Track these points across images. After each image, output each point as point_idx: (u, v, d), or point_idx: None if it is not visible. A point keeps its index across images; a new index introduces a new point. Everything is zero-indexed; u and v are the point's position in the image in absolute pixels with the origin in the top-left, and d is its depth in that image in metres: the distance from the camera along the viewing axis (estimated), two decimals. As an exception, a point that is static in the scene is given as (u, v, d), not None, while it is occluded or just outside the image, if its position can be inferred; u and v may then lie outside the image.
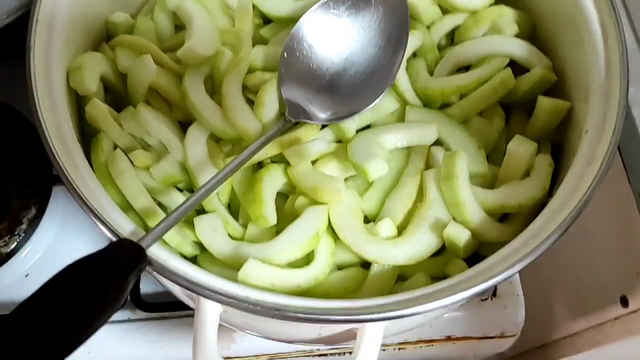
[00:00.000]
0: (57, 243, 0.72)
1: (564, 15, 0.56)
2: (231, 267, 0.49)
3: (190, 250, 0.51)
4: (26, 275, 0.70)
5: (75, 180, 0.44)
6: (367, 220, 0.54)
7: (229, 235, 0.51)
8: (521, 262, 0.43)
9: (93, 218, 0.44)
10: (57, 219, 0.72)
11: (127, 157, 0.53)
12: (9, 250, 0.67)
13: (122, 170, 0.50)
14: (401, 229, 0.52)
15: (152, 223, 0.50)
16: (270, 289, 0.46)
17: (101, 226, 0.44)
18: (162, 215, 0.51)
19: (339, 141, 0.56)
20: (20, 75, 0.73)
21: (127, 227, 0.44)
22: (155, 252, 0.44)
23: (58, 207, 0.72)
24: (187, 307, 0.62)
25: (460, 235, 0.49)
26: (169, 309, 0.67)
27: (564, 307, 0.84)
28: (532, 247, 0.44)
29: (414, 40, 0.58)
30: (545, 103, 0.55)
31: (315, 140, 0.52)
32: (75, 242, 0.71)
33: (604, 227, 0.73)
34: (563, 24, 0.56)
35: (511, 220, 0.53)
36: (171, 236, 0.49)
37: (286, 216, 0.53)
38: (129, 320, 0.68)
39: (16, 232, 0.67)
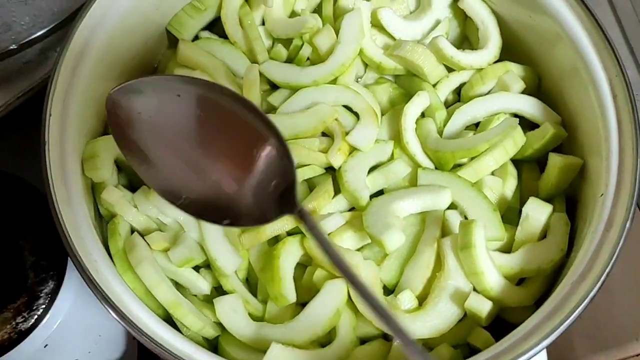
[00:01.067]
0: (74, 310, 0.71)
1: (571, 72, 0.56)
2: (254, 349, 0.49)
3: (212, 332, 0.51)
4: (45, 346, 0.70)
5: (98, 281, 0.45)
6: (385, 289, 0.54)
7: (249, 314, 0.51)
8: (548, 337, 0.43)
9: (116, 317, 0.44)
10: (74, 288, 0.71)
11: (145, 240, 0.53)
12: (28, 325, 0.67)
13: (140, 258, 0.50)
14: (421, 299, 0.52)
15: (175, 313, 0.50)
16: (296, 373, 0.46)
17: (123, 323, 0.44)
18: (186, 304, 0.51)
19: (352, 207, 0.56)
20: (32, 147, 0.74)
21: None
22: (179, 346, 0.44)
23: (74, 276, 0.71)
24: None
25: (482, 307, 0.48)
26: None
27: (584, 341, 0.83)
28: (557, 321, 0.44)
29: (422, 101, 0.58)
30: (556, 161, 0.55)
31: (331, 216, 0.52)
32: (92, 310, 0.71)
33: (622, 268, 0.72)
34: (570, 81, 0.56)
35: (530, 283, 0.53)
36: (193, 321, 0.50)
37: (305, 288, 0.53)
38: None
39: (34, 307, 0.67)
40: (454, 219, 0.53)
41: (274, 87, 0.63)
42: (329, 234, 0.53)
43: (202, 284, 0.53)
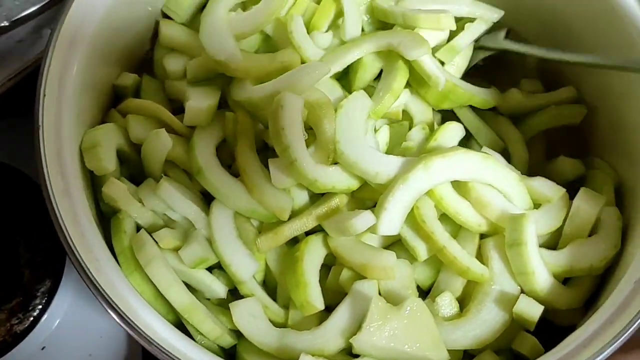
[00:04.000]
0: (73, 310, 0.67)
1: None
2: (277, 358, 0.44)
3: (229, 340, 0.46)
4: (43, 349, 0.65)
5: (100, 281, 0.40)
6: (419, 290, 0.48)
7: (269, 320, 0.46)
8: (614, 344, 0.38)
9: (122, 323, 0.39)
10: (73, 286, 0.67)
11: (152, 237, 0.47)
12: (24, 327, 0.62)
13: (151, 257, 0.45)
14: (461, 301, 0.47)
15: (191, 318, 0.45)
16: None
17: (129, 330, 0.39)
18: (201, 308, 0.46)
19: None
20: (27, 137, 0.69)
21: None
22: (193, 356, 0.39)
23: (72, 275, 0.67)
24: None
25: (533, 312, 0.44)
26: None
27: None
28: (622, 325, 0.39)
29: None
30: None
31: (360, 215, 0.46)
32: (93, 309, 0.66)
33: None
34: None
35: (578, 283, 0.48)
36: (211, 328, 0.45)
37: (330, 290, 0.48)
38: None
39: (30, 307, 0.62)
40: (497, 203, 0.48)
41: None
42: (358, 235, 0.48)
43: (217, 287, 0.47)
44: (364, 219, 0.46)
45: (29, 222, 0.64)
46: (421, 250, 0.47)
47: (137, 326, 0.41)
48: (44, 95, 0.45)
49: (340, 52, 0.52)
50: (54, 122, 0.45)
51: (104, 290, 0.40)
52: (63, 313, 0.66)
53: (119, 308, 0.40)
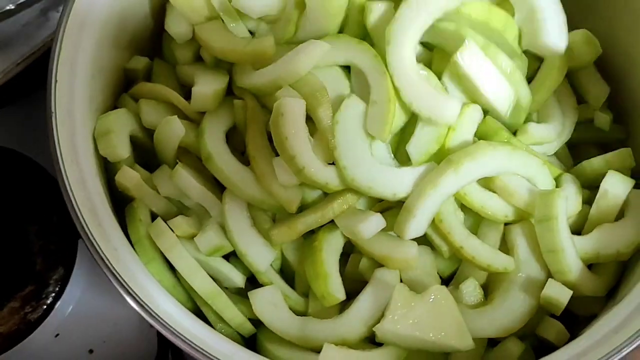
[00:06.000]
0: (87, 298, 0.66)
1: None
2: (299, 346, 0.43)
3: (250, 328, 0.45)
4: (56, 336, 0.65)
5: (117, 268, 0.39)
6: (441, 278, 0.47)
7: (290, 309, 0.45)
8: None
9: (144, 314, 0.38)
10: (85, 273, 0.66)
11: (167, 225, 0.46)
12: (37, 315, 0.61)
13: (172, 243, 0.44)
14: (485, 288, 0.46)
15: (215, 305, 0.44)
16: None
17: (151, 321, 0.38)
18: (224, 294, 0.45)
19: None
20: (36, 123, 0.68)
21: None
22: (216, 345, 0.38)
23: (85, 261, 0.66)
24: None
25: (561, 296, 0.43)
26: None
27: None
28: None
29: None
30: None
31: (368, 220, 0.44)
32: (106, 296, 0.66)
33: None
34: None
35: (603, 269, 0.47)
36: (234, 315, 0.44)
37: (349, 279, 0.47)
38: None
39: (44, 295, 0.62)
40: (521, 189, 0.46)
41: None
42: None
43: (235, 276, 0.46)
44: (373, 223, 0.44)
45: (40, 209, 0.63)
46: (445, 248, 0.46)
47: (158, 315, 0.40)
48: (56, 82, 0.43)
49: None
50: (66, 109, 0.44)
51: (123, 280, 0.39)
52: (76, 300, 0.65)
53: (139, 297, 0.39)
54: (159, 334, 0.63)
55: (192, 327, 0.41)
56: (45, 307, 0.61)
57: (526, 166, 0.46)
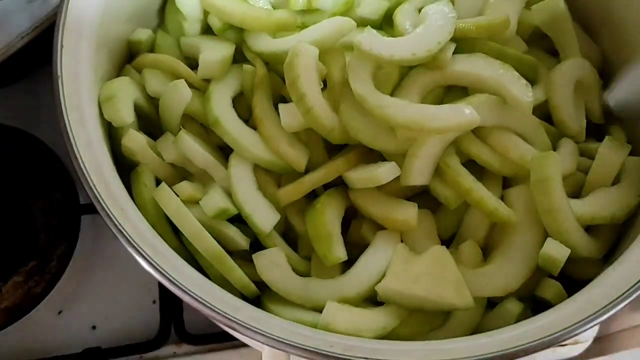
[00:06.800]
0: (89, 275, 0.67)
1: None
2: (302, 306, 0.44)
3: (254, 290, 0.46)
4: (59, 312, 0.66)
5: (129, 231, 0.39)
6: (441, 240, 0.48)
7: (293, 269, 0.46)
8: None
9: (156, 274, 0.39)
10: (88, 250, 0.67)
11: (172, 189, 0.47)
12: (39, 290, 0.62)
13: (177, 207, 0.45)
14: (484, 250, 0.46)
15: (220, 266, 0.45)
16: (357, 334, 0.40)
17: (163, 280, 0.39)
18: (229, 258, 0.45)
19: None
20: (37, 101, 0.69)
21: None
22: (219, 305, 0.39)
23: (88, 237, 0.67)
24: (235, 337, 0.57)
25: (559, 255, 0.43)
26: (216, 339, 0.62)
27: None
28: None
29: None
30: None
31: (385, 166, 0.46)
32: (108, 272, 0.67)
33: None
34: None
35: (600, 232, 0.48)
36: (239, 276, 0.44)
37: (351, 243, 0.48)
38: (174, 356, 0.64)
39: (47, 271, 0.62)
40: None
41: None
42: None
43: (240, 239, 0.47)
44: (389, 169, 0.45)
45: (44, 186, 0.63)
46: (451, 198, 0.46)
47: (169, 274, 0.39)
48: (62, 47, 0.44)
49: None
50: (72, 73, 0.44)
51: (131, 238, 0.40)
52: (78, 278, 0.66)
53: (149, 256, 0.39)
54: (161, 308, 0.63)
55: (201, 282, 0.41)
56: (48, 282, 0.62)
57: (521, 123, 0.47)
